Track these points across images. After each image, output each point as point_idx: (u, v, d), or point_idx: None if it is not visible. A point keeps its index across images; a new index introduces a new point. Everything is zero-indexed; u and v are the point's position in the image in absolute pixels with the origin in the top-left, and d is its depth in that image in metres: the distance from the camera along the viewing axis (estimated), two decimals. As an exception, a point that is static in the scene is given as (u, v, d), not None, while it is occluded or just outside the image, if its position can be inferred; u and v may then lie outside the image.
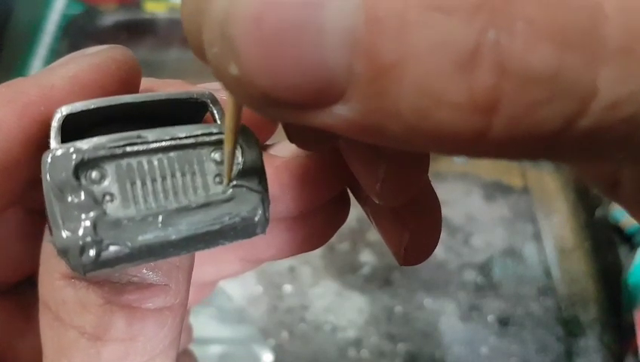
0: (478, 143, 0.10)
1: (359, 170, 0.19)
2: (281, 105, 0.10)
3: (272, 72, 0.10)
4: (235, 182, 0.16)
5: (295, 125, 0.18)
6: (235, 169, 0.16)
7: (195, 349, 0.28)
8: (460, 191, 0.65)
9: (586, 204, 0.64)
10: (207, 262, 0.24)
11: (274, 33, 0.09)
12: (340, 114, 0.10)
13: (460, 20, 0.09)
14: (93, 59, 0.17)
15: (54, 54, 0.72)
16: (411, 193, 0.18)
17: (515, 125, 0.09)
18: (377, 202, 0.18)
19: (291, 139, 0.19)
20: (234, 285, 0.55)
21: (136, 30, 0.77)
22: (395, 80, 0.09)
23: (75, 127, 0.15)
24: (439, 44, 0.09)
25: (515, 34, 0.09)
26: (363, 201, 0.22)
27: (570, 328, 0.56)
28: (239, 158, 0.16)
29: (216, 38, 0.10)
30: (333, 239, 0.23)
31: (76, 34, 0.75)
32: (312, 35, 0.09)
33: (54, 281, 0.16)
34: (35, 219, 0.20)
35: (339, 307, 0.56)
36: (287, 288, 0.56)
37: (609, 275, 0.58)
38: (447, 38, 0.09)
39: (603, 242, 0.61)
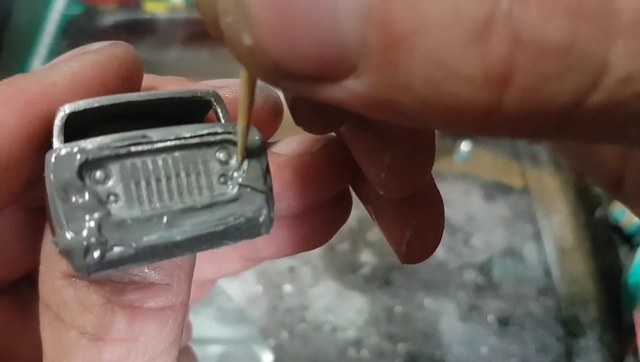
0: (489, 118, 0.09)
1: (364, 158, 0.18)
2: (293, 77, 0.10)
3: (286, 41, 0.10)
4: (242, 181, 0.15)
5: (302, 107, 0.18)
6: (240, 170, 0.16)
7: (195, 349, 0.28)
8: (460, 191, 0.65)
9: (586, 203, 0.64)
10: (207, 261, 0.24)
11: (289, 1, 0.09)
12: (351, 88, 0.10)
13: None
14: (95, 56, 0.17)
15: (54, 54, 0.72)
16: (416, 185, 0.18)
17: (527, 99, 0.09)
18: (381, 193, 0.18)
19: (298, 121, 0.19)
20: (234, 285, 0.55)
21: (136, 30, 0.77)
22: (407, 51, 0.09)
23: (77, 126, 0.15)
24: (453, 14, 0.09)
25: (530, 5, 0.09)
26: (365, 199, 0.21)
27: (570, 328, 0.56)
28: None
29: (231, 6, 0.10)
30: (333, 239, 0.22)
31: (76, 34, 0.75)
32: (327, 4, 0.09)
33: (55, 281, 0.16)
34: (34, 217, 0.19)
35: (339, 307, 0.56)
36: (287, 288, 0.56)
37: (609, 275, 0.58)
38: (461, 7, 0.09)
39: (603, 242, 0.61)
